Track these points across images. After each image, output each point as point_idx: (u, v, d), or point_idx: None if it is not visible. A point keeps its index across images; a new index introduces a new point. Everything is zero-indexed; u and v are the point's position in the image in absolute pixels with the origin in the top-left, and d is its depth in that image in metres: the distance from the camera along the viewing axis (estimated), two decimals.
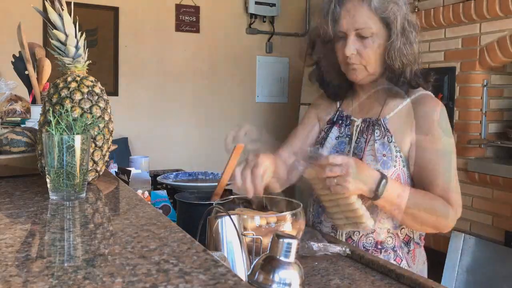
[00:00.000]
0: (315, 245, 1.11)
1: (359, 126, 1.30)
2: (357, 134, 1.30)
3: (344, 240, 1.28)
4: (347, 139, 1.32)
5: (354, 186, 1.09)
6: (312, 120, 1.47)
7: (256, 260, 0.75)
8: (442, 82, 3.07)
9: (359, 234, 1.27)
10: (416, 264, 1.30)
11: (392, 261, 1.25)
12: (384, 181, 1.12)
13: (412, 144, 1.24)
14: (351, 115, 1.35)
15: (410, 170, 1.26)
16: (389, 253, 1.27)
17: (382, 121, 1.27)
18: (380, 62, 1.25)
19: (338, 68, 1.31)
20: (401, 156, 1.24)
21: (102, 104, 1.03)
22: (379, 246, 1.26)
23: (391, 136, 1.25)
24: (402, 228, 1.29)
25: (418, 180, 1.24)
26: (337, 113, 1.39)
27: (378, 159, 1.23)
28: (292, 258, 0.73)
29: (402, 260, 1.27)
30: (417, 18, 1.29)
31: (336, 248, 1.11)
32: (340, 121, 1.36)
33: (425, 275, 1.32)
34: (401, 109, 1.27)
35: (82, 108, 1.00)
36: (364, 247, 1.26)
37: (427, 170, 1.22)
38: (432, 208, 1.18)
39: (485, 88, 2.94)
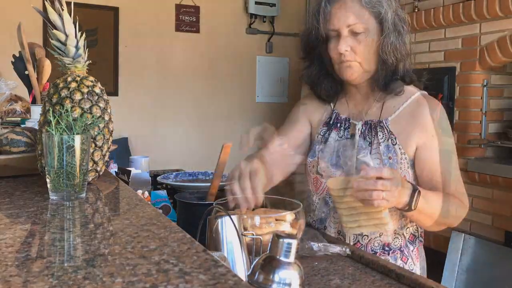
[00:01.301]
0: (315, 245, 1.11)
1: (360, 129, 1.29)
2: (357, 136, 1.28)
3: (352, 244, 1.27)
4: (348, 143, 1.30)
5: (392, 201, 1.07)
6: (301, 120, 1.43)
7: (256, 260, 0.75)
8: (442, 82, 3.07)
9: (368, 238, 1.27)
10: (420, 260, 1.32)
11: (399, 261, 1.27)
12: (417, 195, 1.11)
13: (418, 146, 1.24)
14: (349, 118, 1.33)
15: (416, 172, 1.27)
16: (396, 253, 1.28)
17: (385, 123, 1.26)
18: (374, 59, 1.25)
19: (332, 69, 1.31)
20: (406, 158, 1.24)
21: (102, 104, 1.03)
22: (387, 248, 1.27)
23: (395, 138, 1.24)
24: (407, 228, 1.30)
25: (427, 181, 1.24)
26: (333, 116, 1.36)
27: (384, 162, 1.22)
28: (292, 258, 0.73)
29: (408, 259, 1.29)
30: (406, 13, 1.30)
31: (336, 248, 1.11)
32: (338, 124, 1.34)
33: (425, 270, 1.36)
34: (402, 110, 1.27)
35: (82, 108, 1.00)
36: (372, 251, 1.26)
37: (436, 172, 1.23)
38: (451, 208, 1.21)
39: (485, 88, 2.94)
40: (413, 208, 1.11)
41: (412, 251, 1.31)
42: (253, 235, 0.93)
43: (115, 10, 4.04)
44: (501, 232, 2.77)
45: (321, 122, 1.38)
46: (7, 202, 0.88)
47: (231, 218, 0.85)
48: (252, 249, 0.91)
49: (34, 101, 1.68)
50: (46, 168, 0.90)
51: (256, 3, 4.38)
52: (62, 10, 1.01)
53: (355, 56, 1.23)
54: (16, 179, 1.08)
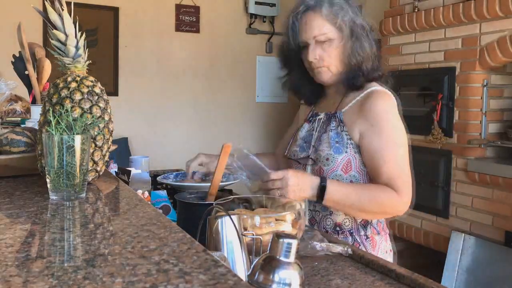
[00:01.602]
0: (318, 245, 1.11)
1: (321, 119, 1.47)
2: (319, 126, 1.46)
3: (307, 221, 1.40)
4: (314, 132, 1.48)
5: (295, 195, 1.26)
6: (298, 121, 1.63)
7: (256, 260, 0.75)
8: (442, 82, 3.07)
9: (319, 215, 1.41)
10: (377, 251, 1.39)
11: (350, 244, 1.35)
12: (323, 184, 1.28)
13: (360, 133, 1.37)
14: (318, 112, 1.52)
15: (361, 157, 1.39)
16: (347, 235, 1.39)
17: (338, 114, 1.43)
18: (340, 62, 1.41)
19: (308, 75, 1.48)
20: (351, 144, 1.38)
21: (102, 104, 1.03)
22: (337, 228, 1.40)
23: (344, 126, 1.40)
24: None
25: (368, 166, 1.37)
26: (310, 112, 1.57)
27: (331, 145, 1.38)
28: (292, 258, 0.73)
29: (360, 245, 1.37)
30: (366, 19, 1.44)
31: (338, 248, 1.12)
32: (310, 118, 1.53)
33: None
34: (355, 102, 1.42)
35: (82, 108, 1.00)
36: (324, 229, 1.40)
37: (373, 159, 1.35)
38: (375, 198, 1.31)
39: (485, 88, 2.94)
40: (322, 198, 1.28)
41: (364, 237, 1.39)
42: (253, 235, 0.93)
43: (115, 10, 4.04)
44: (501, 232, 2.77)
45: (305, 119, 1.58)
46: (7, 202, 0.88)
47: (231, 218, 0.85)
48: (252, 249, 0.91)
49: (34, 101, 1.68)
50: (46, 168, 0.90)
51: (256, 3, 4.38)
52: (62, 10, 1.01)
53: (323, 62, 1.41)
54: (16, 179, 1.08)
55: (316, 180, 1.29)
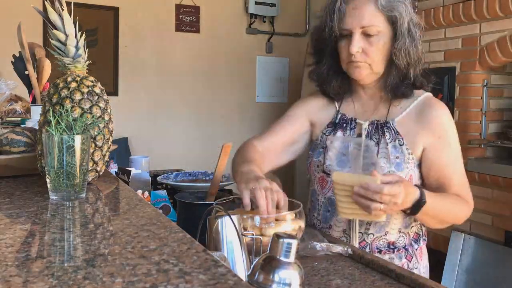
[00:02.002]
0: (318, 245, 1.11)
1: (366, 129, 1.29)
2: (366, 137, 1.28)
3: (357, 243, 1.28)
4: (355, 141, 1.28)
5: (396, 209, 1.12)
6: (301, 118, 1.42)
7: (256, 260, 0.75)
8: (442, 82, 3.07)
9: (373, 237, 1.28)
10: (423, 259, 1.34)
11: (403, 259, 1.29)
12: (423, 200, 1.13)
13: (425, 147, 1.26)
14: (355, 118, 1.33)
15: (422, 171, 1.28)
16: (401, 252, 1.29)
17: (391, 124, 1.27)
18: (385, 61, 1.26)
19: (341, 67, 1.31)
20: (413, 158, 1.26)
21: (102, 104, 1.03)
22: (391, 246, 1.28)
23: (402, 139, 1.25)
24: (412, 227, 1.32)
25: (433, 181, 1.27)
26: (339, 116, 1.36)
27: (391, 161, 1.23)
28: (292, 258, 0.73)
29: (412, 257, 1.31)
30: (420, 18, 1.30)
31: (338, 248, 1.12)
32: (344, 124, 1.33)
33: (428, 268, 1.37)
34: (409, 112, 1.28)
35: (82, 108, 1.00)
36: (377, 249, 1.27)
37: (443, 172, 1.25)
38: (456, 209, 1.25)
39: (485, 88, 2.94)
40: (416, 213, 1.15)
41: (416, 249, 1.32)
42: (253, 235, 0.93)
43: (115, 10, 4.04)
44: (501, 232, 2.76)
45: (325, 122, 1.38)
46: (7, 202, 0.88)
47: (231, 218, 0.85)
48: (252, 249, 0.91)
49: (34, 101, 1.68)
50: (46, 168, 0.90)
51: (256, 3, 4.38)
52: (62, 10, 1.01)
53: (365, 58, 1.23)
54: (16, 179, 1.08)
55: (417, 193, 1.13)
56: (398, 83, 1.26)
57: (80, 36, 1.04)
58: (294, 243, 0.73)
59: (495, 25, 2.78)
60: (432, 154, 1.25)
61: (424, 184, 1.29)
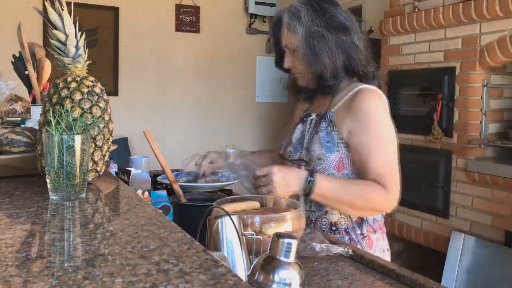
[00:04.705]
0: (318, 246, 1.11)
1: (313, 120, 1.49)
2: (311, 127, 1.48)
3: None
4: (306, 133, 1.49)
5: (282, 190, 1.27)
6: (294, 120, 1.64)
7: (256, 260, 0.75)
8: (442, 82, 3.07)
9: (315, 215, 1.42)
10: (374, 250, 1.39)
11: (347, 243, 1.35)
12: (311, 179, 1.29)
13: (348, 131, 1.38)
14: (310, 112, 1.53)
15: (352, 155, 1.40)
16: (343, 235, 1.39)
17: (328, 115, 1.44)
18: (307, 69, 1.43)
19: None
20: (343, 142, 1.39)
21: (102, 104, 1.03)
22: (333, 228, 1.41)
23: (334, 126, 1.41)
24: None
25: (357, 163, 1.38)
26: (304, 112, 1.58)
27: (322, 145, 1.40)
28: (292, 258, 0.73)
29: (357, 244, 1.37)
30: (345, 19, 1.43)
31: (338, 249, 1.12)
32: (304, 118, 1.54)
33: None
34: (343, 103, 1.43)
35: (82, 108, 1.00)
36: (320, 228, 1.41)
37: (361, 156, 1.36)
38: (363, 193, 1.33)
39: (485, 88, 2.94)
40: (308, 192, 1.29)
41: (360, 235, 1.39)
42: (253, 235, 0.93)
43: (115, 10, 4.04)
44: (501, 232, 2.77)
45: (299, 119, 1.59)
46: (7, 202, 0.88)
47: (231, 218, 0.85)
48: (252, 249, 0.91)
49: (34, 101, 1.68)
50: (46, 168, 0.90)
51: (256, 3, 4.38)
52: (62, 10, 1.01)
53: (297, 68, 1.46)
54: (16, 179, 1.08)
55: (303, 174, 1.30)
56: (322, 81, 1.42)
57: (80, 36, 1.04)
58: (294, 243, 0.73)
59: (495, 25, 2.78)
60: (353, 138, 1.37)
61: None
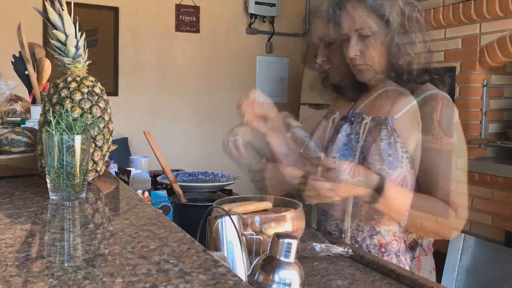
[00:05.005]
0: (318, 246, 1.11)
1: (368, 124, 1.27)
2: (365, 132, 1.27)
3: (348, 241, 1.26)
4: (357, 136, 1.28)
5: (347, 190, 1.11)
6: (323, 120, 1.46)
7: (256, 260, 0.75)
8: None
9: (363, 235, 1.25)
10: (422, 272, 1.26)
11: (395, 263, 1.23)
12: (380, 185, 1.12)
13: (417, 145, 1.22)
14: (362, 113, 1.32)
15: (416, 172, 1.23)
16: (391, 257, 1.23)
17: (390, 121, 1.23)
18: (386, 61, 1.25)
19: (349, 69, 1.31)
20: (407, 158, 1.21)
21: (102, 104, 1.03)
22: (383, 249, 1.24)
23: (397, 137, 1.22)
24: (410, 233, 1.26)
25: (422, 183, 1.22)
26: (351, 110, 1.35)
27: (383, 158, 1.19)
28: (292, 258, 0.73)
29: (404, 266, 1.23)
30: (423, 16, 1.28)
31: (338, 249, 1.11)
32: (352, 118, 1.33)
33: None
34: (408, 109, 1.24)
35: (82, 108, 1.00)
36: (367, 249, 1.24)
37: (430, 172, 1.20)
38: (432, 212, 1.17)
39: (485, 88, 2.94)
40: (375, 201, 1.12)
41: (411, 260, 1.26)
42: (253, 235, 0.93)
43: (115, 10, 4.04)
44: (501, 232, 2.76)
45: (342, 116, 1.38)
46: (7, 202, 0.88)
47: (231, 218, 0.85)
48: (252, 249, 0.91)
49: (34, 101, 1.68)
50: (46, 168, 0.90)
51: (256, 3, 4.38)
52: (62, 10, 1.01)
53: (365, 60, 1.24)
54: (16, 179, 1.08)
55: (375, 178, 1.12)
56: (398, 80, 1.25)
57: (80, 36, 1.04)
58: (294, 243, 0.73)
59: (495, 25, 2.78)
60: (424, 152, 1.21)
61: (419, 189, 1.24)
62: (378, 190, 1.12)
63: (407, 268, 1.22)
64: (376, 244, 1.24)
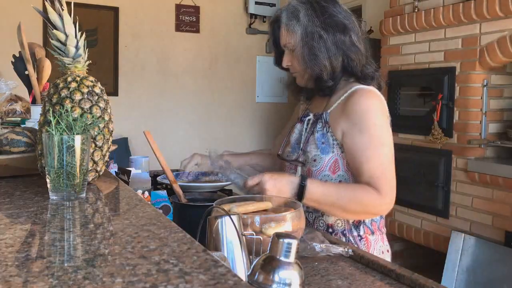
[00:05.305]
0: (318, 246, 1.11)
1: (310, 120, 1.47)
2: (307, 128, 1.47)
3: None
4: (303, 133, 1.48)
5: (273, 193, 1.26)
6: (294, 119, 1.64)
7: (256, 260, 0.75)
8: (442, 82, 3.07)
9: (313, 216, 1.43)
10: (372, 251, 1.38)
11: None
12: (302, 184, 1.28)
13: (343, 132, 1.37)
14: (309, 112, 1.52)
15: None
16: (339, 236, 1.38)
17: (324, 115, 1.43)
18: (305, 69, 1.42)
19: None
20: (338, 144, 1.38)
21: (102, 104, 1.03)
22: (330, 230, 1.40)
23: (329, 127, 1.40)
24: None
25: (350, 166, 1.37)
26: (304, 112, 1.56)
27: (318, 146, 1.40)
28: (292, 258, 0.73)
29: (354, 245, 1.34)
30: (345, 18, 1.41)
31: (338, 249, 1.12)
32: (302, 118, 1.53)
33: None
34: (339, 103, 1.42)
35: (82, 108, 1.00)
36: (317, 229, 1.37)
37: (355, 157, 1.34)
38: (356, 197, 1.31)
39: (485, 88, 2.94)
40: (302, 198, 1.28)
41: (357, 237, 1.38)
42: (253, 235, 0.93)
43: (115, 10, 4.04)
44: (501, 232, 2.76)
45: (298, 118, 1.58)
46: (7, 202, 0.88)
47: (231, 218, 0.85)
48: (252, 249, 0.91)
49: (34, 101, 1.68)
50: (46, 168, 0.90)
51: (256, 3, 4.38)
52: (62, 10, 1.01)
53: (294, 69, 1.46)
54: (16, 179, 1.08)
55: (295, 180, 1.29)
56: (321, 82, 1.42)
57: (80, 36, 1.04)
58: (294, 243, 0.73)
59: (495, 25, 2.78)
60: (347, 140, 1.36)
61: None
62: (302, 189, 1.28)
63: (356, 246, 1.34)
64: (323, 225, 1.41)
